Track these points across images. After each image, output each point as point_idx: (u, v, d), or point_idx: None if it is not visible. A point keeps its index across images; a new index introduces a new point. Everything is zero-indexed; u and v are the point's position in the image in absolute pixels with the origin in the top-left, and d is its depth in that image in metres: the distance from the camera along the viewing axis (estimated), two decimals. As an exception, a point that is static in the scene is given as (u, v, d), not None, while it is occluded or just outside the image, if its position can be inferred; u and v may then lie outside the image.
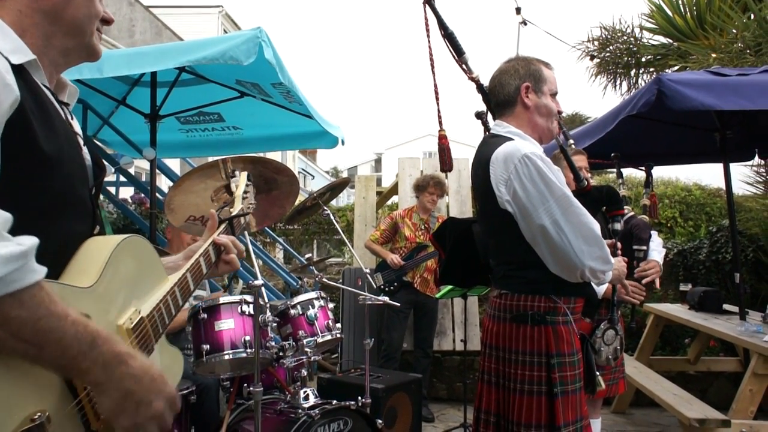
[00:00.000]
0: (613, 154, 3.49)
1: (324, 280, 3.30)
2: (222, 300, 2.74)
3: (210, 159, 2.23)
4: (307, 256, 3.44)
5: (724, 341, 4.77)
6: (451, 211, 5.82)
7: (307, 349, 2.83)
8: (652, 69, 6.96)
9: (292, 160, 26.96)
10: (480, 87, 2.13)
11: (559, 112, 2.08)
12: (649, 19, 7.01)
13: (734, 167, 5.13)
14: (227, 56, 3.09)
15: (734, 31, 5.69)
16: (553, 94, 2.06)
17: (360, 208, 6.03)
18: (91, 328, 0.89)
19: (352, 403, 2.78)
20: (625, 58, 7.15)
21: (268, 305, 2.69)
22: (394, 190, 6.54)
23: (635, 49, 7.09)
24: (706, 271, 5.94)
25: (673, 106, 3.29)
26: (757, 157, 5.35)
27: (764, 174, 6.38)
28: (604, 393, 2.75)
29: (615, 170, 3.58)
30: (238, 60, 3.09)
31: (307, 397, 2.73)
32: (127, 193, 6.24)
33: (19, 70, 0.93)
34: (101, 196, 5.03)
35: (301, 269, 4.06)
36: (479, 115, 2.29)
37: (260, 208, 1.80)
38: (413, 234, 4.79)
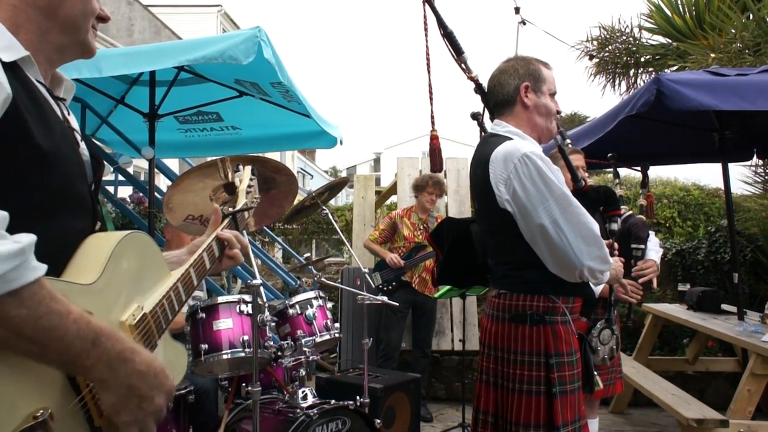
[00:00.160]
0: (609, 155, 3.50)
1: (322, 279, 3.30)
2: (220, 299, 2.74)
3: (209, 159, 2.23)
4: (305, 255, 3.44)
5: (722, 341, 4.78)
6: (450, 211, 5.82)
7: (305, 349, 2.83)
8: (651, 69, 6.97)
9: (291, 159, 26.96)
10: (479, 86, 2.13)
11: (558, 112, 2.08)
12: (648, 19, 7.03)
13: (733, 167, 5.14)
14: (226, 55, 3.09)
15: (733, 31, 5.70)
16: (552, 94, 2.06)
17: (359, 207, 6.02)
18: (93, 325, 0.89)
19: (351, 402, 2.78)
20: (624, 58, 7.16)
21: (266, 305, 2.69)
22: (392, 189, 6.54)
23: (634, 48, 7.10)
24: (705, 271, 5.94)
25: (672, 106, 3.29)
26: (755, 157, 5.36)
27: (763, 174, 6.38)
28: (602, 393, 2.76)
29: (612, 170, 3.58)
30: (237, 59, 3.08)
31: (305, 397, 2.73)
32: (125, 192, 6.24)
33: (11, 67, 0.93)
34: (101, 195, 5.02)
35: (300, 269, 4.06)
36: (475, 116, 2.29)
37: (259, 208, 1.78)
38: (412, 234, 4.79)
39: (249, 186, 1.66)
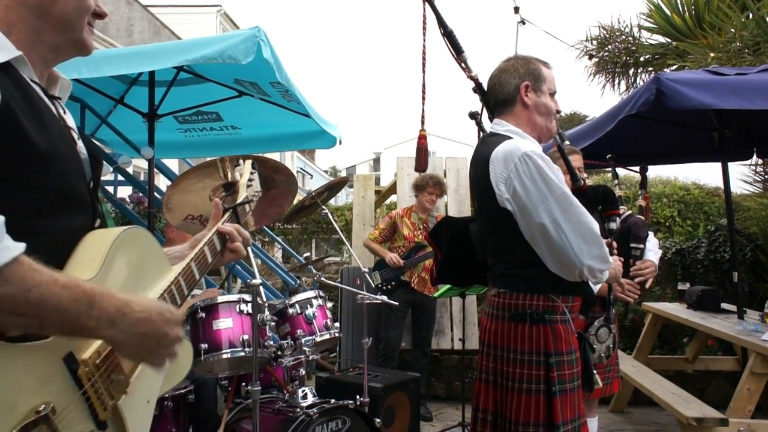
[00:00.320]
0: (609, 156, 3.50)
1: (322, 279, 3.31)
2: (220, 299, 2.74)
3: (208, 159, 2.23)
4: (305, 255, 3.45)
5: (722, 340, 4.78)
6: (450, 211, 5.82)
7: (305, 348, 2.84)
8: (650, 68, 6.98)
9: (291, 159, 26.96)
10: (478, 86, 2.13)
11: (558, 112, 2.08)
12: (648, 19, 7.03)
13: (732, 166, 5.15)
14: (225, 55, 3.09)
15: (732, 30, 5.70)
16: (552, 94, 2.06)
17: (358, 207, 6.02)
18: (86, 287, 0.90)
19: (351, 402, 2.78)
20: (624, 58, 7.16)
21: (266, 304, 2.70)
22: (392, 189, 6.54)
23: (634, 48, 7.11)
24: (705, 270, 5.94)
25: (672, 106, 3.29)
26: (755, 157, 5.36)
27: (762, 173, 6.39)
28: (599, 392, 2.76)
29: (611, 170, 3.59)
30: (236, 59, 3.08)
31: (305, 396, 2.73)
32: (125, 192, 6.24)
33: (4, 68, 0.93)
34: (100, 194, 5.03)
35: (300, 268, 4.06)
36: (473, 116, 2.29)
37: (259, 207, 1.78)
38: (412, 233, 4.79)
39: (250, 180, 1.65)
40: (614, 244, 2.27)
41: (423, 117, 2.33)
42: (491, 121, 2.11)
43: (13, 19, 1.00)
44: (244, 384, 2.72)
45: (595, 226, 1.88)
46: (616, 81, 7.41)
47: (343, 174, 41.66)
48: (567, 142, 2.21)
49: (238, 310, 2.72)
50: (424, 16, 2.18)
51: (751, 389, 3.39)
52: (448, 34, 2.13)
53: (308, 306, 2.99)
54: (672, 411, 3.54)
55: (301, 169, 31.43)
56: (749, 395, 3.38)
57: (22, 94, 0.95)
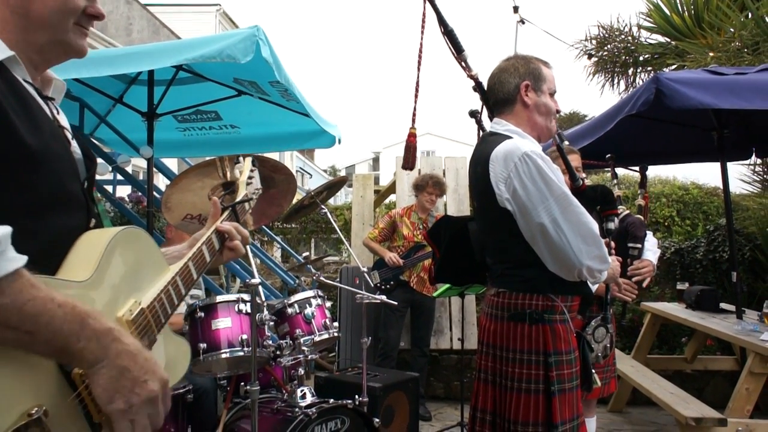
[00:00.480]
0: (608, 156, 3.50)
1: (321, 278, 3.30)
2: (219, 299, 2.74)
3: (207, 158, 2.22)
4: (304, 254, 3.44)
5: (720, 340, 4.78)
6: (449, 210, 5.82)
7: (304, 348, 2.83)
8: (649, 68, 6.98)
9: (290, 158, 26.95)
10: (478, 85, 2.13)
11: (558, 111, 2.08)
12: (647, 18, 7.04)
13: (731, 166, 5.13)
14: (225, 54, 3.08)
15: (732, 30, 5.70)
16: (552, 93, 2.06)
17: (357, 206, 6.02)
18: (79, 309, 0.89)
19: (349, 401, 2.77)
20: (623, 57, 7.17)
21: (265, 304, 2.69)
22: (391, 188, 6.54)
23: (633, 47, 7.12)
24: (703, 270, 5.95)
25: (672, 105, 3.29)
26: (754, 156, 5.37)
27: (761, 173, 6.40)
28: (597, 392, 2.76)
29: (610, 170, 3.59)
30: (235, 58, 3.08)
31: (304, 396, 2.73)
32: (124, 191, 6.23)
33: None
34: (98, 194, 5.02)
35: (299, 268, 4.05)
36: (473, 114, 2.28)
37: (258, 207, 1.77)
38: (411, 233, 4.79)
39: (250, 177, 1.63)
40: (612, 243, 2.28)
41: (414, 115, 2.32)
42: (491, 121, 2.11)
43: (0, 20, 1.00)
44: (242, 384, 2.71)
45: (595, 226, 1.88)
46: (616, 80, 7.42)
47: (343, 173, 41.64)
48: (566, 142, 2.20)
49: (236, 309, 2.71)
50: (424, 14, 2.17)
51: (749, 389, 3.39)
52: (448, 33, 2.12)
53: (307, 305, 2.99)
54: (671, 411, 3.54)
55: (301, 168, 31.42)
56: (748, 395, 3.38)
57: (15, 94, 0.95)
